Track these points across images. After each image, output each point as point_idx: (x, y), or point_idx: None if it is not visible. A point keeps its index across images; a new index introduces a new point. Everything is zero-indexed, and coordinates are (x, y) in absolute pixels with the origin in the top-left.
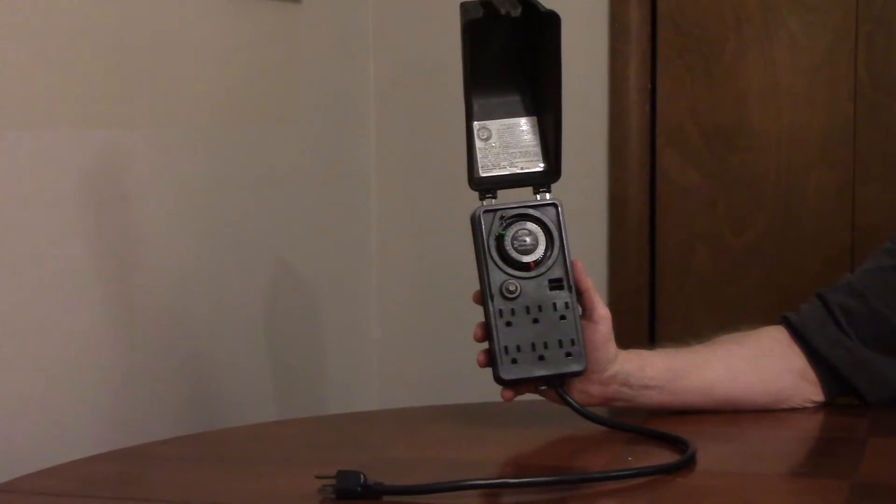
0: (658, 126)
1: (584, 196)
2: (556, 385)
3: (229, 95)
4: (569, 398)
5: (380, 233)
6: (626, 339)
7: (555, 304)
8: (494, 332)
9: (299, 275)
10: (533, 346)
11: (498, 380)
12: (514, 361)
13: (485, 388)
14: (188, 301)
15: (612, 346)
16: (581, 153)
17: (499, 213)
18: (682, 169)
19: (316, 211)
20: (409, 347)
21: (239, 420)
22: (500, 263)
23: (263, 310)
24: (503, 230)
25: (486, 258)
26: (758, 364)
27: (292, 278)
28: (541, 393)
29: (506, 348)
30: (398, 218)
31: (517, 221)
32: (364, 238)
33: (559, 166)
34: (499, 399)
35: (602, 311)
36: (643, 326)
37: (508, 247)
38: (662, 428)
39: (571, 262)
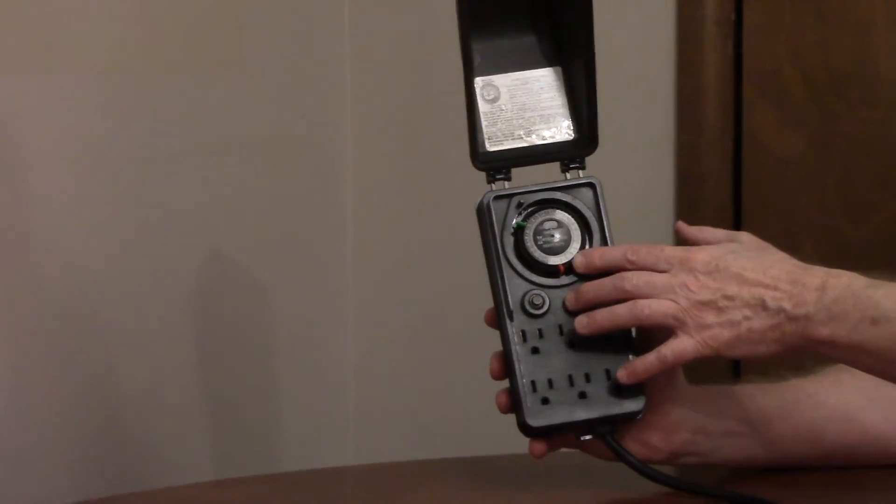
0: (745, 73)
1: (637, 172)
2: (605, 433)
3: (150, 31)
4: (623, 450)
5: (357, 223)
6: (699, 368)
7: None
8: (516, 363)
9: (247, 276)
10: (570, 379)
11: (524, 428)
12: (544, 402)
13: (501, 436)
14: (91, 309)
15: (679, 378)
16: (634, 111)
17: (515, 200)
18: (778, 132)
19: (272, 191)
20: (398, 379)
21: (164, 478)
22: (521, 268)
23: (198, 324)
24: (523, 222)
25: (500, 262)
26: (881, 396)
27: (238, 281)
28: (582, 445)
29: (533, 384)
30: (381, 204)
31: (541, 210)
32: (337, 229)
33: (595, 132)
34: (521, 450)
35: (663, 335)
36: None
37: (531, 245)
38: (753, 491)
39: None
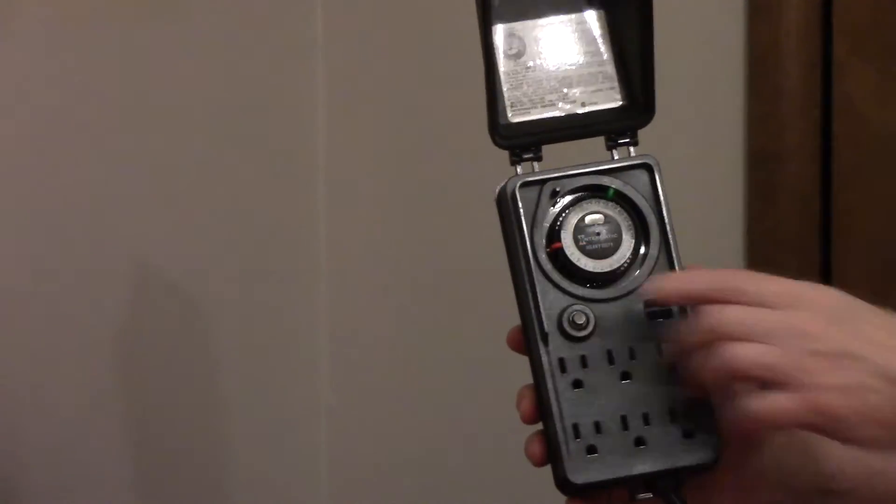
0: (836, 22)
1: (696, 151)
2: (669, 490)
3: None
4: None
5: (331, 220)
6: None
7: (659, 346)
8: (554, 401)
9: (187, 291)
10: (624, 421)
11: (563, 485)
12: (591, 451)
13: (516, 491)
14: None
15: None
16: (693, 72)
17: (549, 187)
18: (879, 100)
19: (228, 177)
20: (380, 420)
21: None
22: (557, 277)
23: (128, 346)
24: (560, 217)
25: (530, 268)
26: None
27: (175, 295)
28: None
29: (575, 428)
30: (359, 194)
31: (583, 200)
32: (308, 224)
33: (651, 97)
34: None
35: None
36: None
37: (570, 247)
38: None
39: (684, 269)
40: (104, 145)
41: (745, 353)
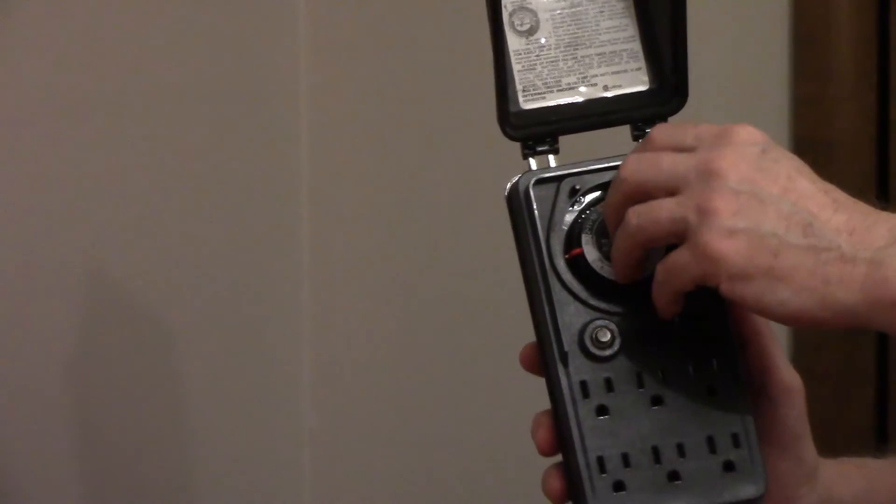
0: None
1: None
2: None
3: None
4: None
5: (314, 236)
6: (835, 431)
7: (694, 366)
8: (575, 430)
9: (169, 303)
10: (655, 453)
11: None
12: (618, 487)
13: None
14: None
15: (808, 447)
16: (736, 49)
17: (568, 184)
18: None
19: (196, 169)
20: (366, 445)
21: None
22: (577, 287)
23: (86, 375)
24: (580, 219)
25: (547, 277)
26: None
27: (153, 308)
28: None
29: (600, 461)
30: (344, 209)
31: None
32: (291, 236)
33: (684, 79)
34: None
35: (787, 378)
36: (866, 408)
37: (592, 253)
38: None
39: None
40: (63, 139)
41: (647, 213)
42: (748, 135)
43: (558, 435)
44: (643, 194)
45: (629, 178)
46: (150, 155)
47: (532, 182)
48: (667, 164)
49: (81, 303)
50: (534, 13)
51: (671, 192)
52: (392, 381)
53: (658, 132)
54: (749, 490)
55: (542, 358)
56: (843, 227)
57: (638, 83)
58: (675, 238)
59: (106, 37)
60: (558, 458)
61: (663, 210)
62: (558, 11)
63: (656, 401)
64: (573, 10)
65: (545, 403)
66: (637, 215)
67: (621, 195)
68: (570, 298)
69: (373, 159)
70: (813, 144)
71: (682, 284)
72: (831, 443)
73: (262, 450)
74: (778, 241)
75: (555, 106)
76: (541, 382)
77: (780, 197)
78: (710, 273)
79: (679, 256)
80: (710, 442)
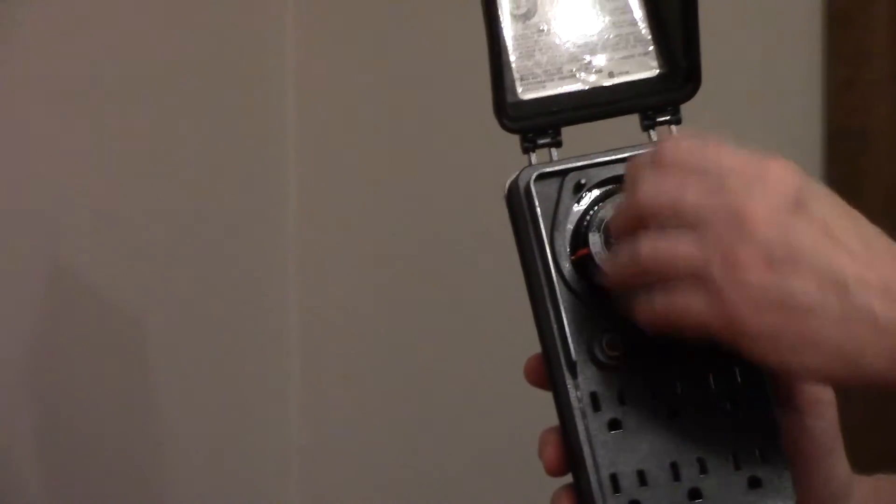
0: None
1: (770, 127)
2: None
3: None
4: None
5: (301, 242)
6: (870, 448)
7: (714, 376)
8: (586, 447)
9: (151, 311)
10: (674, 469)
11: None
12: None
13: None
14: None
15: (840, 462)
16: (765, 31)
17: (572, 179)
18: None
19: (181, 164)
20: (357, 460)
21: None
22: (585, 294)
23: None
24: (587, 216)
25: (551, 280)
26: None
27: (132, 314)
28: None
29: (613, 479)
30: (335, 207)
31: (615, 195)
32: (277, 229)
33: (696, 63)
34: None
35: (816, 388)
36: None
37: (601, 253)
38: None
39: None
40: (40, 129)
41: (664, 249)
42: (784, 175)
43: (567, 452)
44: (657, 222)
45: (645, 203)
46: (132, 149)
47: (533, 177)
48: (691, 197)
49: (51, 310)
50: None
51: (690, 226)
52: (382, 392)
53: (676, 149)
54: None
55: (549, 369)
56: (877, 283)
57: (646, 68)
58: (688, 279)
59: (91, 27)
60: (568, 478)
61: (680, 249)
62: None
63: (673, 413)
64: None
65: (551, 419)
66: (652, 248)
67: (633, 220)
68: (577, 303)
69: (363, 156)
70: (847, 134)
71: (686, 328)
72: (866, 459)
73: (249, 463)
74: (810, 304)
75: (556, 95)
76: (545, 395)
77: (813, 252)
78: (728, 334)
79: (692, 301)
80: (734, 457)
